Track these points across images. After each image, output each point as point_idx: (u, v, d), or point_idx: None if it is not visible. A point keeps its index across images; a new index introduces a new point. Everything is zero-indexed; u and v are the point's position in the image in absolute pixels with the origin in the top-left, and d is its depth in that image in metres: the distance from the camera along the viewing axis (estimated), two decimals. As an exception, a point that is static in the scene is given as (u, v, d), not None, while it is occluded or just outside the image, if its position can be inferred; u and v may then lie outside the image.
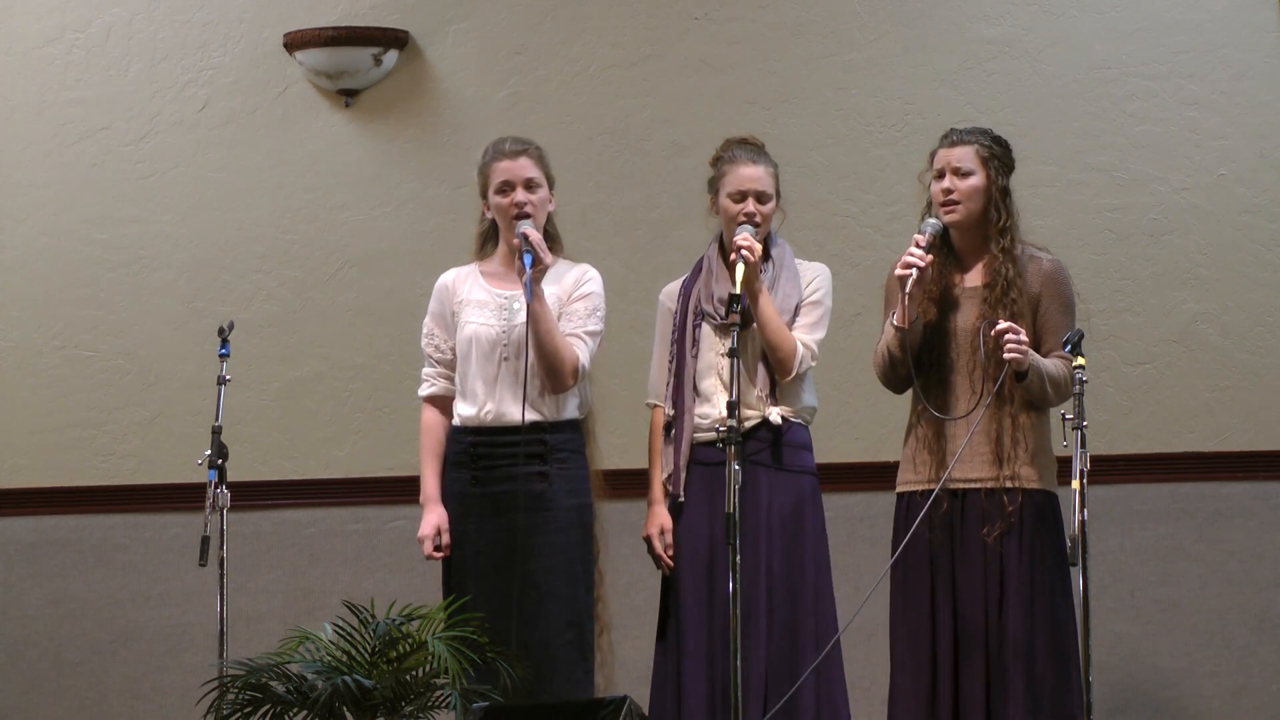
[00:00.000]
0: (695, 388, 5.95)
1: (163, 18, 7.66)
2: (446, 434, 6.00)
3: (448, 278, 6.08)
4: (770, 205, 5.95)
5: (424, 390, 6.06)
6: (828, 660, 5.84)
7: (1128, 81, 7.34)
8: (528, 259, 5.77)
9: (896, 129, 7.40)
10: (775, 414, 5.88)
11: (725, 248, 5.98)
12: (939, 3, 7.42)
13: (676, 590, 5.93)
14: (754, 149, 5.98)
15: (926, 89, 7.38)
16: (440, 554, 5.93)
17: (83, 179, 7.67)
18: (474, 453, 5.92)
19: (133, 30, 7.67)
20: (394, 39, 7.52)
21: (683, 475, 5.92)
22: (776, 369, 5.88)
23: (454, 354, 6.01)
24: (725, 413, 5.62)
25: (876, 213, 7.37)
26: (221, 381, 6.16)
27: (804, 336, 5.93)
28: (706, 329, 5.97)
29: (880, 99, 7.41)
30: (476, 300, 5.99)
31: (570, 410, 5.95)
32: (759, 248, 5.82)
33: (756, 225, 5.88)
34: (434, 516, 5.94)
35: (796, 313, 5.95)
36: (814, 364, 5.95)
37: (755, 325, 5.86)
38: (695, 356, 5.95)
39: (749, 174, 5.93)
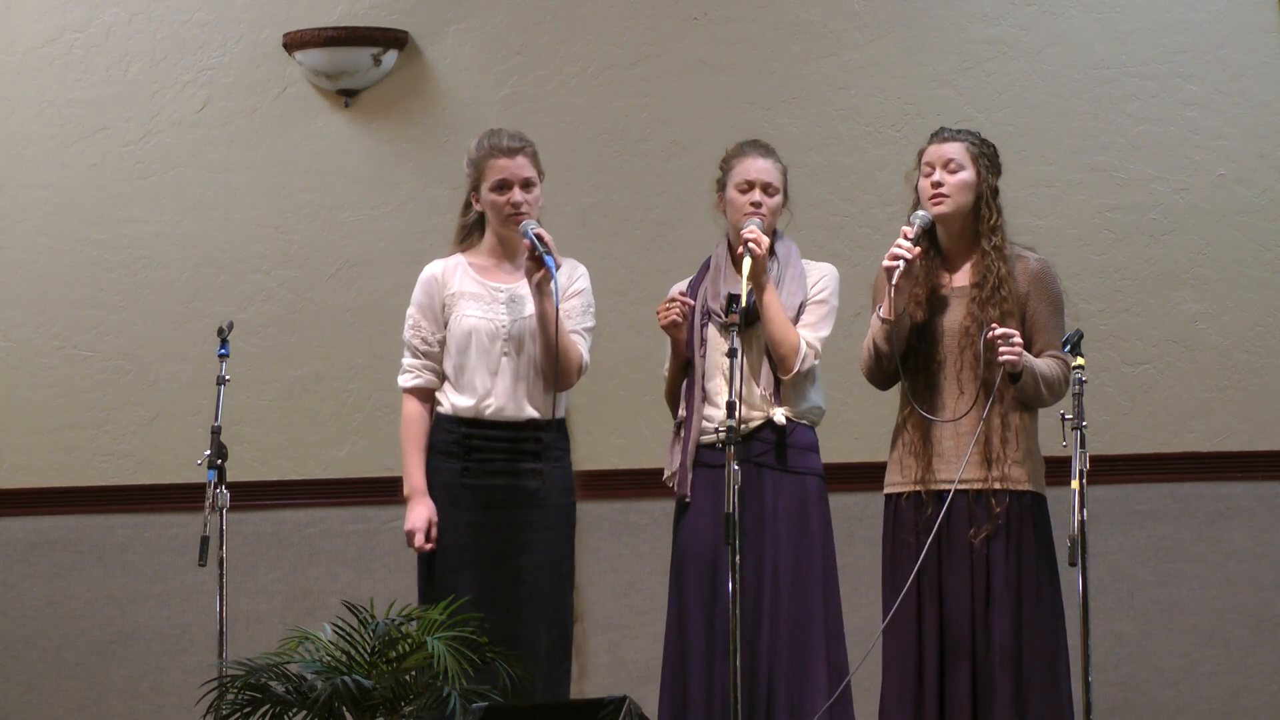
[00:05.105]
0: (704, 388, 5.95)
1: (162, 18, 7.66)
2: (430, 426, 5.96)
3: (435, 269, 6.00)
4: (777, 199, 5.95)
5: (407, 381, 5.96)
6: (840, 668, 5.84)
7: (1128, 81, 7.34)
8: (550, 260, 5.75)
9: (896, 129, 7.39)
10: (779, 414, 5.86)
11: (733, 246, 5.99)
12: (939, 3, 7.41)
13: (681, 590, 5.93)
14: (764, 146, 6.01)
15: (926, 89, 7.38)
16: (430, 545, 5.90)
17: (82, 179, 7.66)
18: (468, 444, 5.89)
19: (132, 30, 7.67)
20: (393, 39, 7.52)
21: (689, 475, 5.92)
22: (779, 365, 5.85)
23: (440, 346, 5.95)
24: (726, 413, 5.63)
25: (875, 213, 7.37)
26: (221, 381, 6.15)
27: (807, 334, 5.90)
28: (712, 329, 5.95)
29: (880, 99, 7.41)
30: (470, 293, 5.94)
31: (561, 409, 5.94)
32: (766, 240, 5.82)
33: (763, 217, 5.88)
34: (423, 508, 5.89)
35: (801, 311, 5.94)
36: (817, 362, 5.93)
37: (760, 322, 5.86)
38: (703, 357, 5.95)
39: (757, 165, 5.94)
